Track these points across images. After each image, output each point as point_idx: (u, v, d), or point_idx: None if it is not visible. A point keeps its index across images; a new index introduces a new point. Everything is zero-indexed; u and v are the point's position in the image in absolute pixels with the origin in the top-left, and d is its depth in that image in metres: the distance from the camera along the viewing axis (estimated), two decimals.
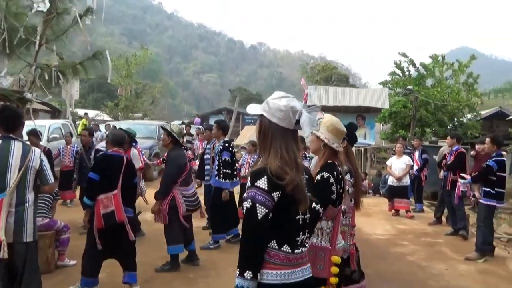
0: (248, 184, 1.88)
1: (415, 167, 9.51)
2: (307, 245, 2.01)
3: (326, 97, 14.39)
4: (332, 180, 2.75)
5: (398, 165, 9.11)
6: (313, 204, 2.53)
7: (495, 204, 6.09)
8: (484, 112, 17.51)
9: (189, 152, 9.40)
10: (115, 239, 4.16)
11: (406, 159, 9.12)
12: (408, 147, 10.55)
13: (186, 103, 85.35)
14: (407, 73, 15.98)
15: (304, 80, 16.25)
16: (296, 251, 1.92)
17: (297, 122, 1.95)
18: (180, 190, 5.06)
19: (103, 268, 4.85)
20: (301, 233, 1.97)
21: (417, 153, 9.75)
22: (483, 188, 6.09)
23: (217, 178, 6.06)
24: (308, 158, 6.69)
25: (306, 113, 1.97)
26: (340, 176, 2.82)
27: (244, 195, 1.88)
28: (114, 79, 27.90)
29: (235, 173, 6.27)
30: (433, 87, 15.43)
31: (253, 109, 2.08)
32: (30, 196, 3.38)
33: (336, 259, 2.74)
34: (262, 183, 1.83)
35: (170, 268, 5.07)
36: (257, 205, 1.82)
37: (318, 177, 2.76)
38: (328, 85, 25.42)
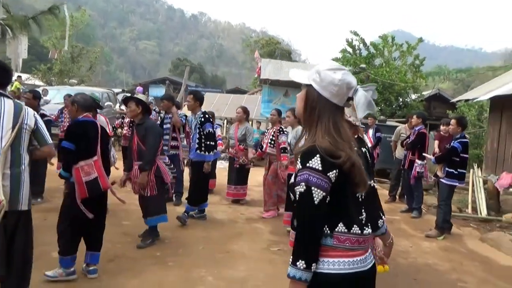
0: (298, 166, 1.68)
1: (368, 145, 9.68)
2: (370, 225, 1.81)
3: (280, 72, 14.20)
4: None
5: None
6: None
7: (456, 184, 6.32)
8: (424, 94, 18.39)
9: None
10: (93, 212, 3.85)
11: None
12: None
13: (122, 71, 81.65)
14: (358, 51, 16.20)
15: (258, 54, 15.91)
16: (364, 232, 1.74)
17: (348, 99, 1.79)
18: (161, 159, 4.99)
19: (54, 248, 4.45)
20: (363, 211, 1.78)
21: (370, 131, 9.92)
22: (446, 169, 6.26)
23: (198, 151, 5.84)
24: (285, 132, 6.51)
25: (363, 91, 1.81)
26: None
27: (296, 179, 1.67)
28: (45, 41, 25.63)
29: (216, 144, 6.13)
30: (381, 67, 15.82)
31: (297, 75, 1.82)
32: (26, 158, 3.03)
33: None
34: (315, 163, 1.63)
35: (153, 241, 4.94)
36: (313, 188, 1.62)
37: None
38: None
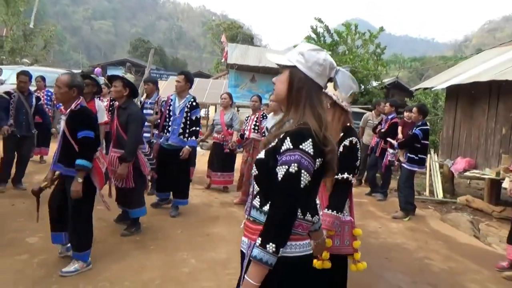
0: (288, 145, 1.60)
1: None
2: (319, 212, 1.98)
3: (247, 57, 14.19)
4: (358, 145, 2.59)
5: None
6: (342, 175, 2.52)
7: (416, 169, 6.66)
8: (384, 81, 18.99)
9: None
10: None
11: None
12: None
13: (76, 51, 78.30)
14: (322, 38, 16.41)
15: (225, 38, 15.75)
16: (314, 218, 1.77)
17: (328, 80, 1.81)
18: (140, 149, 4.68)
19: (35, 232, 4.37)
20: (317, 198, 1.88)
21: None
22: (408, 154, 6.58)
23: (181, 137, 5.53)
24: (266, 116, 6.56)
25: (345, 71, 1.82)
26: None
27: (283, 158, 1.60)
28: None
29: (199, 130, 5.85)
30: (345, 54, 16.13)
31: (278, 59, 1.79)
32: None
33: (358, 231, 2.62)
34: (308, 146, 1.60)
35: (136, 230, 4.84)
36: (303, 171, 1.57)
37: (347, 142, 2.54)
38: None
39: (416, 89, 12.58)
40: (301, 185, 1.58)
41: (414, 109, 6.67)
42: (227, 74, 17.88)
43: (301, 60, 1.71)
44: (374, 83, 16.83)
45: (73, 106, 3.54)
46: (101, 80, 17.38)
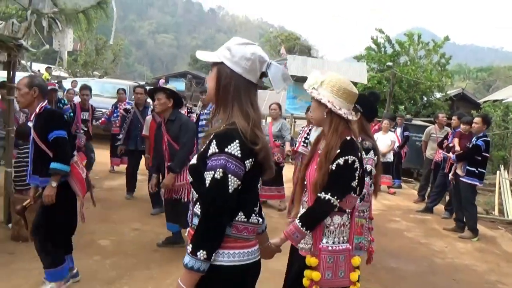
0: (214, 149, 1.55)
1: (396, 144, 9.66)
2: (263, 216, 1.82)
3: (306, 68, 14.17)
4: (357, 164, 2.16)
5: (384, 141, 9.16)
6: (325, 195, 2.13)
7: (477, 183, 6.26)
8: (448, 93, 18.20)
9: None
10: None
11: (391, 135, 9.20)
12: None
13: (140, 64, 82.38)
14: (383, 49, 16.09)
15: (284, 49, 15.92)
16: (259, 221, 1.71)
17: (261, 76, 1.67)
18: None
19: (107, 234, 4.54)
20: (257, 203, 1.75)
21: (398, 130, 9.91)
22: (467, 167, 6.21)
23: None
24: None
25: (277, 64, 1.69)
26: (362, 156, 2.28)
27: (209, 163, 1.56)
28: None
29: None
30: (406, 65, 15.69)
31: (205, 55, 1.72)
32: None
33: (356, 260, 2.20)
34: (235, 149, 1.53)
35: (175, 243, 4.65)
36: (230, 175, 1.52)
37: (341, 161, 2.13)
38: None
39: (484, 101, 11.93)
40: (229, 191, 1.52)
41: (478, 119, 6.29)
42: None
43: (227, 55, 1.63)
44: (438, 95, 16.17)
45: (37, 110, 3.22)
46: (173, 87, 18.13)
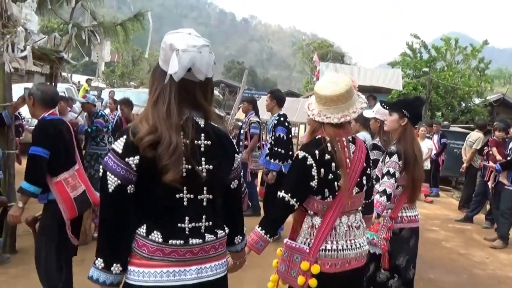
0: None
1: (433, 151, 9.38)
2: (208, 236, 1.52)
3: None
4: (310, 161, 1.99)
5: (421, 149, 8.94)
6: (279, 193, 2.02)
7: None
8: (488, 98, 17.58)
9: None
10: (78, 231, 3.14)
11: (428, 143, 8.95)
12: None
13: None
14: (418, 54, 15.76)
15: (317, 57, 15.87)
16: (190, 241, 1.46)
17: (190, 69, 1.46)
18: None
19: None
20: (189, 218, 1.47)
21: (435, 137, 9.63)
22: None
23: (267, 157, 5.14)
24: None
25: (193, 52, 1.42)
26: (329, 157, 2.01)
27: None
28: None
29: (291, 153, 5.15)
30: (443, 70, 15.28)
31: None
32: None
33: (316, 268, 1.98)
34: (119, 145, 1.41)
35: None
36: (108, 173, 1.40)
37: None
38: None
39: None
40: (109, 190, 1.40)
41: None
42: None
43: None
44: (477, 101, 15.64)
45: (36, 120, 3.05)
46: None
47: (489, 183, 6.43)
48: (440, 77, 14.39)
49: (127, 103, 7.14)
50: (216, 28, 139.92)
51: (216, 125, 1.60)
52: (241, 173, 1.70)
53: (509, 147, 6.12)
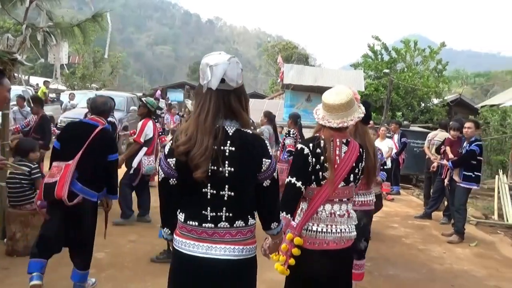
0: None
1: (394, 151, 9.65)
2: (222, 223, 1.86)
3: (302, 77, 14.26)
4: (307, 151, 2.45)
5: (381, 148, 9.15)
6: (288, 178, 2.45)
7: (474, 186, 6.32)
8: (446, 99, 18.27)
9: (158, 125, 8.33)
10: (73, 222, 3.42)
11: (389, 142, 9.19)
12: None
13: (138, 75, 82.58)
14: (379, 56, 16.18)
15: (281, 59, 16.00)
16: (204, 224, 1.86)
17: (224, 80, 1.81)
18: None
19: (103, 247, 4.51)
20: (211, 207, 1.84)
21: (396, 137, 9.91)
22: (463, 172, 6.23)
23: None
24: (291, 135, 6.64)
25: (224, 64, 1.79)
26: (319, 151, 2.45)
27: None
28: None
29: None
30: (403, 71, 15.76)
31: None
32: None
33: (298, 240, 2.44)
34: (167, 148, 1.88)
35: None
36: (160, 168, 1.91)
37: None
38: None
39: (482, 106, 11.97)
40: (159, 180, 1.94)
41: (471, 124, 6.28)
42: (282, 94, 18.00)
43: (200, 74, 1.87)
44: (435, 101, 16.22)
45: None
46: (162, 102, 18.15)
47: (445, 180, 6.69)
48: (400, 78, 14.84)
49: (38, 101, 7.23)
50: (180, 29, 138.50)
51: (250, 132, 1.88)
52: (275, 174, 1.96)
53: (463, 146, 6.41)
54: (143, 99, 6.30)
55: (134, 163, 5.72)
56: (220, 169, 1.79)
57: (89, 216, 3.48)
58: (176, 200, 1.91)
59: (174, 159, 1.81)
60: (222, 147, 1.79)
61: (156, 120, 6.73)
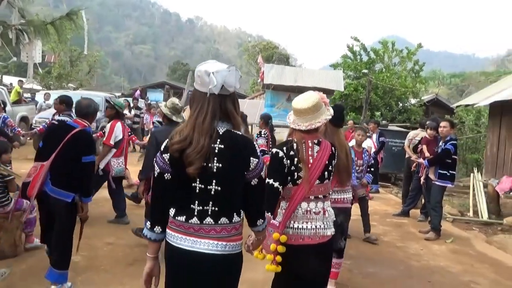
0: None
1: (372, 150, 9.76)
2: (208, 220, 1.95)
3: (283, 77, 14.30)
4: (281, 154, 2.61)
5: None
6: (267, 180, 2.54)
7: (449, 184, 6.47)
8: (423, 99, 18.61)
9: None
10: (49, 221, 3.60)
11: (368, 142, 9.29)
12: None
13: (117, 75, 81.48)
14: (358, 57, 16.36)
15: (262, 58, 16.00)
16: (190, 220, 1.94)
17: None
18: None
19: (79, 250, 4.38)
20: (198, 201, 1.94)
21: (374, 136, 10.03)
22: (439, 171, 6.37)
23: None
24: (263, 135, 6.84)
25: (224, 72, 1.93)
26: (293, 153, 2.60)
27: None
28: (43, 44, 25.52)
29: None
30: (382, 72, 15.98)
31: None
32: None
33: (283, 238, 2.59)
34: (163, 144, 1.97)
35: None
36: (155, 163, 1.99)
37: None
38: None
39: (457, 106, 12.24)
40: (155, 175, 1.99)
41: (446, 123, 6.43)
42: (263, 94, 18.02)
43: (197, 80, 2.00)
44: (413, 101, 16.50)
45: None
46: (141, 102, 17.92)
47: (422, 178, 6.82)
48: (378, 79, 15.04)
49: None
50: (160, 28, 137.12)
51: (239, 133, 2.01)
52: (262, 173, 2.07)
53: (439, 145, 6.55)
54: (110, 100, 6.12)
55: (101, 164, 5.63)
56: (210, 165, 1.90)
57: (62, 216, 3.48)
58: (170, 195, 1.98)
59: (169, 154, 1.92)
60: (212, 145, 1.91)
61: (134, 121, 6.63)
